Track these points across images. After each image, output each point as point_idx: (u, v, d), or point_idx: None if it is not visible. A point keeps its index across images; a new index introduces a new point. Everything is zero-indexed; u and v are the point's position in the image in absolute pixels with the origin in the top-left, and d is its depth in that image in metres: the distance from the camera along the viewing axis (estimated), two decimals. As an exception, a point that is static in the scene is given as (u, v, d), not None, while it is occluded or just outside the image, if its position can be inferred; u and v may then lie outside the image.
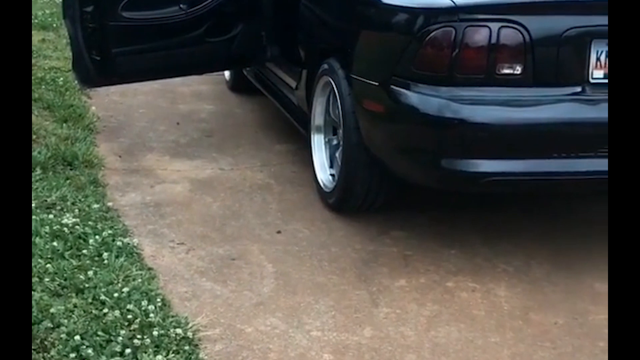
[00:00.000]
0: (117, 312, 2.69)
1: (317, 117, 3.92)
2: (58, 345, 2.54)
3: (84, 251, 3.13)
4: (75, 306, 2.74)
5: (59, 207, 3.54)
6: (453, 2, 3.03)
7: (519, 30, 2.98)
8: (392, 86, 3.15)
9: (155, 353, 2.53)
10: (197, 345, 2.66)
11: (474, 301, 3.02)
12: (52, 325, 2.62)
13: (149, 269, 3.12)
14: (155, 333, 2.61)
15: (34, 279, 2.89)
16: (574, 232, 3.60)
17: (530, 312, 2.96)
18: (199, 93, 5.81)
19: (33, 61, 6.02)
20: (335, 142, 3.83)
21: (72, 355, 2.50)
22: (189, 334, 2.67)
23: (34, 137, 4.36)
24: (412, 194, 3.76)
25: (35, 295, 2.77)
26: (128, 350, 2.52)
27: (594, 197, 3.78)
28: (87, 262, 3.06)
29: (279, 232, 3.55)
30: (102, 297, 2.79)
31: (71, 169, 4.04)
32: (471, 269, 3.25)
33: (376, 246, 3.43)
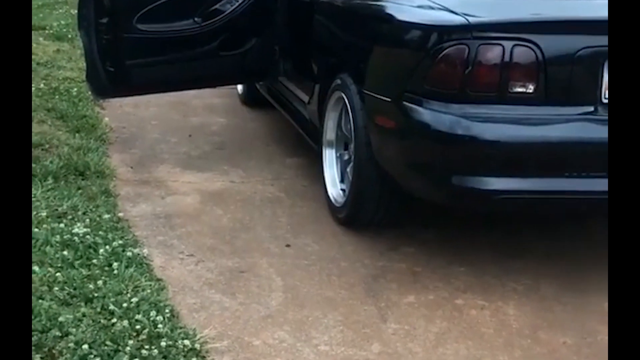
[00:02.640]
0: (125, 322, 2.70)
1: (329, 131, 3.93)
2: (66, 354, 2.54)
3: (94, 261, 3.14)
4: (84, 315, 2.74)
5: (70, 217, 3.55)
6: (467, 19, 3.04)
7: (532, 49, 2.98)
8: (405, 102, 3.16)
9: (163, 364, 2.54)
10: (204, 357, 2.65)
11: (482, 319, 3.01)
12: (60, 334, 2.62)
13: (158, 279, 3.13)
14: (163, 344, 2.61)
15: (44, 288, 2.90)
16: (583, 251, 3.59)
17: (539, 331, 2.95)
18: (211, 106, 5.84)
19: (47, 71, 6.07)
20: (346, 157, 3.83)
21: (80, 364, 2.50)
22: (197, 346, 2.67)
23: (46, 146, 4.40)
24: (422, 210, 3.75)
25: (45, 303, 2.77)
26: (136, 361, 2.52)
27: (605, 217, 3.76)
28: (97, 271, 3.06)
29: (288, 245, 3.56)
30: (111, 307, 2.79)
31: (83, 179, 4.06)
32: (480, 286, 3.24)
33: (385, 261, 3.43)
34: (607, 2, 3.21)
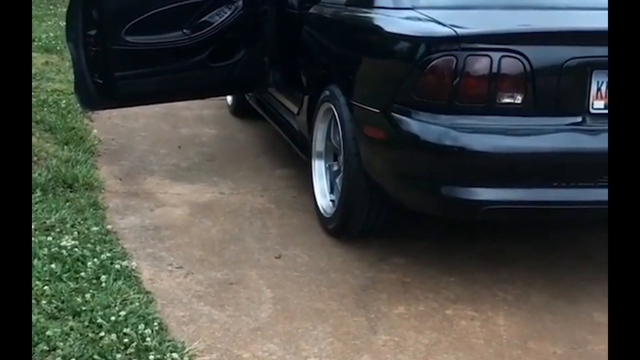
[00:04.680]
0: (113, 336, 2.68)
1: (318, 142, 3.93)
2: (53, 368, 2.53)
3: (82, 274, 3.12)
4: (71, 329, 2.72)
5: (58, 230, 3.53)
6: (454, 31, 3.05)
7: (520, 60, 2.99)
8: (393, 113, 3.16)
9: (151, 377, 2.52)
10: (193, 370, 2.64)
11: (472, 329, 3.00)
12: (47, 348, 2.60)
13: (147, 292, 3.11)
14: (151, 357, 2.59)
15: (32, 301, 2.88)
16: (573, 261, 3.59)
17: (529, 341, 2.94)
18: (201, 117, 5.83)
19: (36, 83, 6.06)
20: (335, 168, 3.84)
21: (68, 378, 2.49)
22: (186, 359, 2.65)
23: (35, 159, 4.38)
24: (411, 221, 3.75)
25: (32, 317, 2.75)
26: (124, 375, 2.51)
27: (593, 227, 3.78)
28: (85, 284, 3.05)
29: (278, 257, 3.55)
30: (99, 321, 2.77)
31: (71, 192, 4.05)
32: (470, 296, 3.24)
33: (375, 272, 3.42)
34: (594, 13, 3.26)
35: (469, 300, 3.21)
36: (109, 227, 3.69)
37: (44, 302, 2.89)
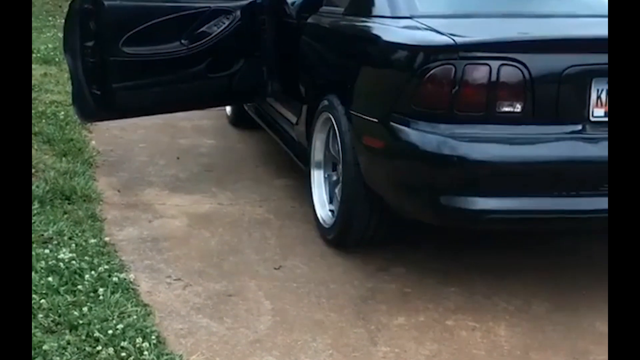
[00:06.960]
0: (110, 350, 2.65)
1: (317, 152, 3.91)
2: (50, 383, 2.50)
3: (80, 287, 3.09)
4: (68, 343, 2.70)
5: (55, 242, 3.51)
6: (453, 39, 3.03)
7: (519, 68, 2.97)
8: (392, 123, 3.15)
9: (149, 392, 2.50)
10: (192, 383, 2.62)
11: (473, 340, 2.98)
12: (44, 363, 2.58)
13: (145, 305, 3.09)
14: (149, 371, 2.57)
15: (28, 315, 2.86)
16: (574, 270, 3.56)
17: (530, 351, 2.92)
18: (199, 128, 5.82)
19: (34, 95, 6.05)
20: (334, 177, 3.82)
21: (65, 393, 2.46)
22: (184, 372, 2.63)
23: (33, 170, 4.36)
24: (411, 230, 3.73)
25: (28, 331, 2.73)
26: (121, 389, 2.48)
27: (594, 236, 3.75)
28: (82, 298, 3.02)
29: (277, 268, 3.52)
30: (96, 334, 2.75)
31: (69, 203, 4.03)
32: (471, 307, 3.21)
33: (375, 283, 3.40)
34: (593, 20, 3.25)
35: (469, 310, 3.18)
36: (107, 239, 3.67)
37: (40, 315, 2.86)
